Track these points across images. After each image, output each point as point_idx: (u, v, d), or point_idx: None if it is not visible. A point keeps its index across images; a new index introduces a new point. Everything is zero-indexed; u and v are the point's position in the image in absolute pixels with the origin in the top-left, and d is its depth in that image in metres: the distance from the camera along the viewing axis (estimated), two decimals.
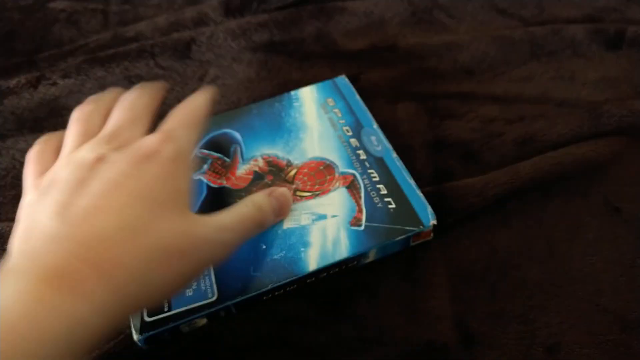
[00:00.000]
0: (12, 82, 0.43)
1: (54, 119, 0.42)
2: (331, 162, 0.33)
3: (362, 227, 0.30)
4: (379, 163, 0.33)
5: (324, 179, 0.32)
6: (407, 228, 0.30)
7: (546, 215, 0.32)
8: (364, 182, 0.32)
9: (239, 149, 0.34)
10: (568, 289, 0.29)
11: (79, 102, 0.42)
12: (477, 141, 0.37)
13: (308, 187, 0.32)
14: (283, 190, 0.30)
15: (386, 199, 0.31)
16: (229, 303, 0.27)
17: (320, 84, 0.39)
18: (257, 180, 0.32)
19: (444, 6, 0.47)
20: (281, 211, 0.29)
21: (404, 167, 0.33)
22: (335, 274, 0.30)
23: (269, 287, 0.28)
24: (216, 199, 0.32)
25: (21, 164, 0.39)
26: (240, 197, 0.31)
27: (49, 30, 0.50)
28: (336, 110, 0.37)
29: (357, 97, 0.38)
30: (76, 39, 0.49)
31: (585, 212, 0.32)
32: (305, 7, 0.48)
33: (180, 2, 0.52)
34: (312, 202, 0.31)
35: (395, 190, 0.31)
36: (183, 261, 0.22)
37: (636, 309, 0.29)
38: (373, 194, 0.31)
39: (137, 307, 0.24)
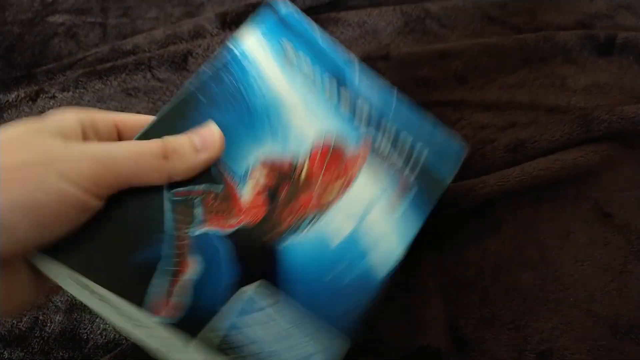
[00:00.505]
0: (12, 96, 0.44)
1: None
2: (337, 138, 0.27)
3: (411, 192, 0.27)
4: (384, 105, 0.28)
5: (340, 165, 0.27)
6: (448, 172, 0.28)
7: (537, 221, 0.33)
8: (384, 142, 0.27)
9: (223, 165, 0.24)
10: (559, 294, 0.30)
11: None
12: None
13: (329, 186, 0.26)
14: (206, 126, 0.24)
15: (416, 149, 0.28)
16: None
17: (262, 25, 0.27)
18: (273, 200, 0.25)
19: (436, 15, 0.48)
20: (202, 145, 0.23)
21: (407, 100, 0.29)
22: None
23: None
24: (243, 249, 0.24)
25: None
26: (269, 232, 0.25)
27: (48, 44, 0.51)
28: (301, 56, 0.28)
29: (314, 27, 0.29)
30: (75, 52, 0.50)
31: (575, 218, 0.33)
32: None
33: (177, 15, 0.53)
34: (343, 203, 0.26)
35: (418, 131, 0.28)
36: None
37: (627, 314, 0.29)
38: (401, 147, 0.27)
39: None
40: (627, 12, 0.47)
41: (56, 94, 0.44)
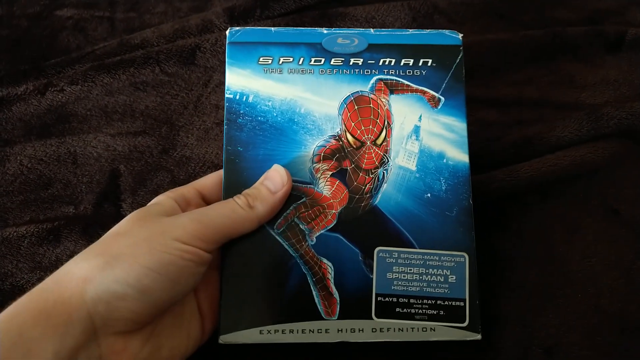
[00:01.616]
0: (20, 89, 0.44)
1: (61, 126, 0.43)
2: (352, 94, 0.30)
3: (441, 97, 0.30)
4: (370, 46, 0.31)
5: (369, 109, 0.29)
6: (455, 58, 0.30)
7: (545, 217, 0.33)
8: (392, 75, 0.30)
9: (294, 181, 0.29)
10: (567, 290, 0.30)
11: (85, 108, 0.43)
12: (475, 145, 0.37)
13: (375, 131, 0.29)
14: (273, 168, 0.28)
15: (419, 62, 0.30)
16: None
17: (234, 60, 0.30)
18: (344, 177, 0.29)
19: (444, 11, 0.48)
20: (276, 186, 0.27)
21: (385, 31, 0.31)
22: None
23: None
24: (352, 230, 0.28)
25: (28, 169, 0.40)
26: (362, 201, 0.28)
27: (56, 38, 0.51)
28: (280, 58, 0.30)
29: (268, 29, 0.31)
30: (83, 46, 0.50)
31: (584, 215, 0.33)
32: (308, 14, 0.48)
33: (185, 10, 0.53)
34: (396, 134, 0.29)
35: (412, 49, 0.30)
36: (124, 237, 0.24)
37: (635, 310, 0.29)
38: (407, 63, 0.30)
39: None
40: (636, 8, 0.47)
41: (65, 88, 0.44)
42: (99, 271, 0.22)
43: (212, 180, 0.30)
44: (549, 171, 0.33)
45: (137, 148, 0.41)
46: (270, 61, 0.30)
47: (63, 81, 0.44)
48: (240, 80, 0.30)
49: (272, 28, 0.31)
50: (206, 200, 0.29)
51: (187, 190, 0.29)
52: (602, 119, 0.35)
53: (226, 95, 0.30)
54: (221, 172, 0.29)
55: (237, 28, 0.31)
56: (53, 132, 0.42)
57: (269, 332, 0.26)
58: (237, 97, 0.30)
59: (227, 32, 0.31)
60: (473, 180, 0.33)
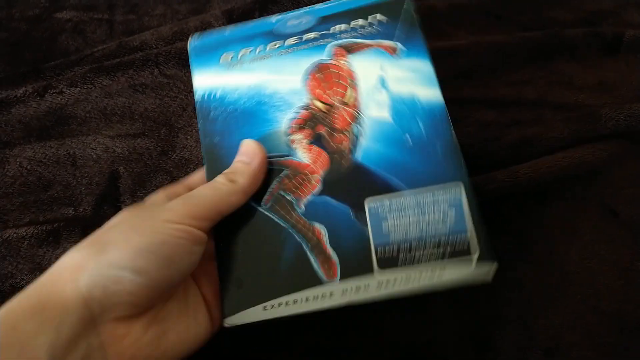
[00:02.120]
0: (19, 91, 0.44)
1: (60, 128, 0.43)
2: (312, 64, 0.31)
3: (397, 43, 0.30)
4: (320, 19, 0.32)
5: (332, 74, 0.30)
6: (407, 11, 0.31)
7: (543, 218, 0.33)
8: (345, 38, 0.31)
9: (272, 157, 0.29)
10: (566, 291, 0.30)
11: (85, 110, 0.43)
12: (474, 145, 0.37)
13: (341, 91, 0.30)
14: (243, 143, 0.28)
15: (369, 20, 0.31)
16: None
17: (197, 63, 0.32)
18: (321, 142, 0.29)
19: (442, 12, 0.48)
20: (249, 157, 0.28)
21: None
22: None
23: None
24: (339, 189, 0.27)
25: (28, 171, 0.40)
26: (342, 160, 0.28)
27: (56, 40, 0.51)
28: (239, 51, 0.32)
29: (223, 29, 0.33)
30: (82, 48, 0.50)
31: (582, 215, 0.33)
32: None
33: (184, 12, 0.53)
34: (362, 91, 0.29)
35: (359, 9, 0.31)
36: (117, 226, 0.24)
37: (633, 311, 0.29)
38: (360, 30, 0.31)
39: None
40: (634, 9, 0.47)
41: (64, 90, 0.44)
42: (92, 258, 0.22)
43: (200, 175, 0.30)
44: (547, 172, 0.33)
45: (137, 150, 0.41)
46: (230, 57, 0.32)
47: (62, 83, 0.45)
48: (206, 80, 0.31)
49: (227, 28, 0.33)
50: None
51: (178, 187, 0.30)
52: (601, 120, 0.35)
53: (195, 97, 0.31)
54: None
55: (197, 35, 0.33)
56: (52, 134, 0.42)
57: (272, 306, 0.25)
58: (206, 96, 0.31)
59: (189, 41, 0.33)
60: (472, 181, 0.33)
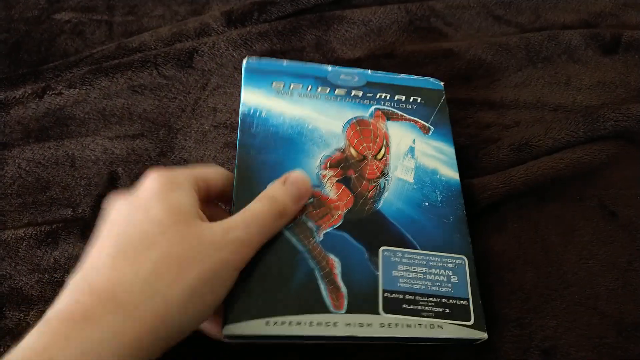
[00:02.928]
0: (18, 93, 0.44)
1: (59, 129, 0.43)
2: (354, 117, 0.34)
3: (431, 126, 0.35)
4: (368, 81, 0.36)
5: (369, 131, 0.33)
6: (437, 101, 0.36)
7: (542, 219, 0.33)
8: (392, 105, 0.35)
9: None
10: (564, 292, 0.30)
11: (84, 111, 0.43)
12: (473, 147, 0.37)
13: (375, 147, 0.33)
14: (297, 173, 0.28)
15: (410, 100, 0.35)
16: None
17: (250, 82, 0.34)
18: (349, 184, 0.31)
19: (441, 14, 0.48)
20: (300, 195, 0.28)
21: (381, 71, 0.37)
22: None
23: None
24: (357, 228, 0.29)
25: (27, 172, 0.40)
26: (365, 205, 0.31)
27: (54, 41, 0.52)
28: (291, 84, 0.35)
29: (282, 61, 0.36)
30: (81, 49, 0.50)
31: (580, 216, 0.33)
32: (305, 17, 0.49)
33: (183, 13, 0.53)
34: (394, 152, 0.33)
35: (404, 88, 0.36)
36: (191, 267, 0.22)
37: (632, 312, 0.29)
38: (400, 98, 0.35)
39: (152, 324, 0.21)
40: (632, 10, 0.47)
41: (63, 91, 0.44)
42: (176, 310, 0.22)
43: (215, 170, 0.29)
44: (544, 174, 0.33)
45: (135, 151, 0.41)
46: (282, 86, 0.34)
47: (61, 84, 0.45)
48: (254, 97, 0.33)
49: (284, 61, 0.36)
50: (209, 188, 0.28)
51: (198, 177, 0.28)
52: (599, 121, 0.35)
53: (241, 110, 0.33)
54: (221, 170, 0.29)
55: (254, 57, 0.36)
56: (51, 135, 0.42)
57: (275, 323, 0.26)
58: (251, 112, 0.33)
59: (245, 61, 0.35)
60: (469, 184, 0.33)
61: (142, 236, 0.23)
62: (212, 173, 0.28)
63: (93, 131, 0.42)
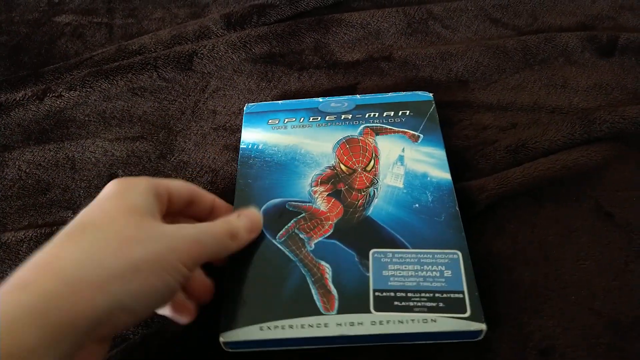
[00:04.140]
0: (19, 95, 0.45)
1: (59, 131, 0.43)
2: (344, 137, 0.36)
3: (420, 134, 0.36)
4: (357, 106, 0.38)
5: (359, 147, 0.35)
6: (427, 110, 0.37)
7: (539, 220, 0.33)
8: (380, 122, 0.37)
9: (294, 201, 0.33)
10: (561, 292, 0.30)
11: (84, 113, 0.44)
12: (470, 149, 0.37)
13: (364, 161, 0.34)
14: (250, 210, 0.30)
15: (399, 114, 0.37)
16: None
17: (249, 123, 0.38)
18: (339, 196, 0.33)
19: (438, 17, 0.48)
20: (252, 227, 0.30)
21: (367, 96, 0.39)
22: None
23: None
24: (348, 235, 0.30)
25: (27, 174, 0.40)
26: (355, 213, 0.32)
27: (55, 44, 0.52)
28: (285, 119, 0.38)
29: (276, 103, 0.39)
30: (81, 52, 0.51)
31: (577, 217, 0.33)
32: (304, 20, 0.49)
33: (182, 16, 0.53)
34: (383, 162, 0.34)
35: (392, 104, 0.38)
36: (138, 246, 0.23)
37: (629, 312, 0.29)
38: (388, 114, 0.37)
39: (91, 293, 0.21)
40: (629, 13, 0.47)
41: (63, 93, 0.45)
42: (117, 282, 0.21)
43: (179, 184, 0.29)
44: (540, 175, 0.33)
45: (135, 153, 0.41)
46: (277, 122, 0.38)
47: (61, 87, 0.45)
48: (252, 135, 0.37)
49: (280, 101, 0.40)
50: (172, 198, 0.28)
51: (162, 186, 0.28)
52: (595, 123, 0.35)
53: (241, 146, 0.36)
54: (190, 185, 0.30)
55: (252, 104, 0.40)
56: (51, 138, 0.43)
57: (269, 328, 0.27)
58: (250, 146, 0.36)
59: (245, 107, 0.40)
60: (465, 187, 0.34)
61: (91, 223, 0.23)
62: (176, 184, 0.29)
63: (93, 133, 0.43)
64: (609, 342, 0.28)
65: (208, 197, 0.31)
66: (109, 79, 0.45)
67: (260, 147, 0.36)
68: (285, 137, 0.36)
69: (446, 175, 0.33)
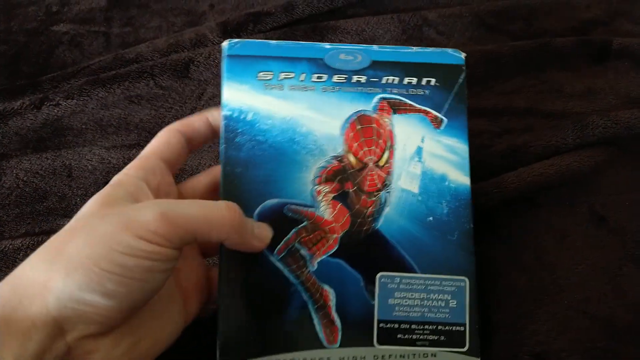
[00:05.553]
0: (16, 104, 0.45)
1: (57, 139, 0.43)
2: (355, 113, 0.29)
3: (444, 117, 0.29)
4: (372, 62, 0.30)
5: (372, 129, 0.29)
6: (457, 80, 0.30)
7: (534, 224, 0.33)
8: (400, 92, 0.29)
9: (293, 204, 0.28)
10: (556, 297, 0.30)
11: (81, 122, 0.44)
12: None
13: (377, 151, 0.29)
14: (264, 225, 0.27)
15: (422, 82, 0.30)
16: None
17: (230, 75, 0.28)
18: (346, 200, 0.28)
19: (433, 23, 0.49)
20: (260, 235, 0.26)
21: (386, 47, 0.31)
22: None
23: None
24: (354, 254, 0.27)
25: (24, 183, 0.41)
26: (364, 224, 0.28)
27: (53, 53, 0.52)
28: (280, 74, 0.29)
29: (267, 42, 0.30)
30: (79, 61, 0.51)
31: (571, 222, 0.33)
32: (299, 27, 0.49)
33: (179, 24, 0.54)
34: (398, 156, 0.29)
35: (414, 66, 0.30)
36: (82, 231, 0.22)
37: (623, 316, 0.29)
38: (410, 81, 0.29)
39: (66, 270, 0.21)
40: (623, 18, 0.48)
41: (60, 102, 0.45)
42: (60, 277, 0.20)
43: (172, 148, 0.28)
44: (535, 181, 0.33)
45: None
46: (270, 77, 0.29)
47: (59, 95, 0.45)
48: (239, 96, 0.28)
49: (272, 41, 0.30)
50: (172, 164, 0.28)
51: (150, 161, 0.27)
52: (588, 128, 0.35)
53: (223, 113, 0.28)
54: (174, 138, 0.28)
55: (236, 40, 0.29)
56: (49, 146, 0.43)
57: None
58: (236, 114, 0.28)
59: (226, 43, 0.29)
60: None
61: (68, 225, 0.23)
62: (168, 150, 0.27)
63: (90, 141, 0.43)
64: (604, 346, 0.28)
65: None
66: (106, 87, 0.45)
67: (249, 117, 0.28)
68: (282, 103, 0.28)
69: (465, 180, 0.29)
